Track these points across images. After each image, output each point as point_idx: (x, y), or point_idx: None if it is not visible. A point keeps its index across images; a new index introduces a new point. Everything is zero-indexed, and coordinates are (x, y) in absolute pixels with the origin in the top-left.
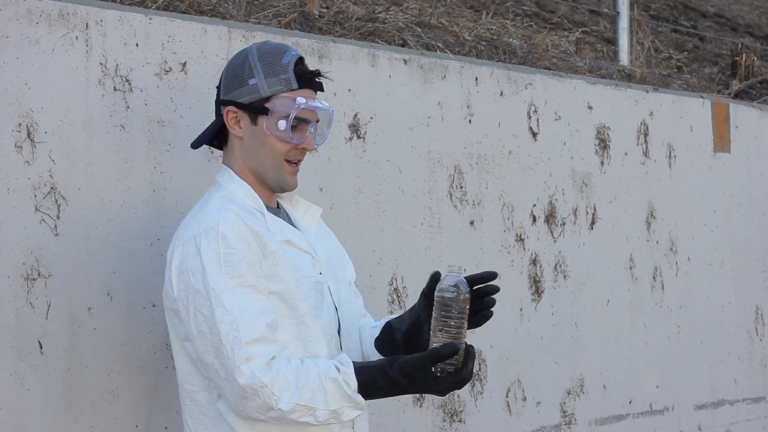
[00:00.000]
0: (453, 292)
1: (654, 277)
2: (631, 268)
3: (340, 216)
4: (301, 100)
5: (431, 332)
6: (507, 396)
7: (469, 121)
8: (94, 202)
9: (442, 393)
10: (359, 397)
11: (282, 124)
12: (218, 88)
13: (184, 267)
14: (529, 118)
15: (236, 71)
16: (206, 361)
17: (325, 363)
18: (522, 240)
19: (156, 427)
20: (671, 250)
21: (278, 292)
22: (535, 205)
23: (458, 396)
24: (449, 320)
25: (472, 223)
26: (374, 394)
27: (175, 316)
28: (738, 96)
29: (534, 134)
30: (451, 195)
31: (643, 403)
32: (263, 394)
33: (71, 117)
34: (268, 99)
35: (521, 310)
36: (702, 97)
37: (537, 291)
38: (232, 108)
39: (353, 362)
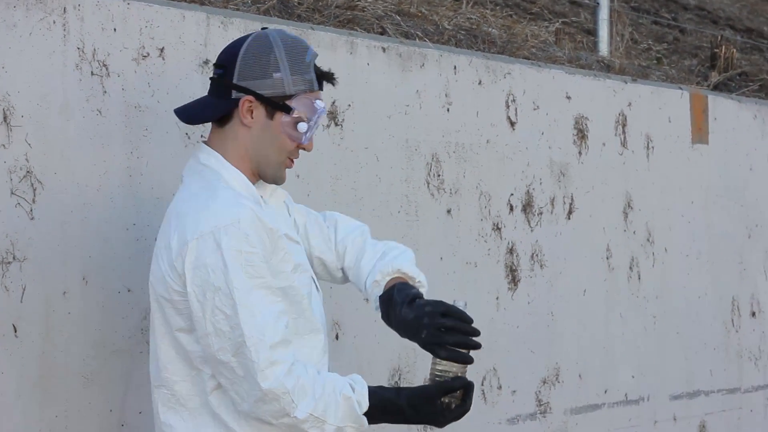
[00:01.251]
0: None
1: (631, 268)
2: (607, 258)
3: (318, 203)
4: (320, 104)
5: (433, 359)
6: (482, 384)
7: (447, 110)
8: (70, 187)
9: (442, 425)
10: (365, 419)
11: (303, 127)
12: (223, 67)
13: (201, 263)
14: (508, 107)
15: (259, 60)
16: (221, 358)
17: (341, 379)
18: (499, 229)
19: (130, 411)
20: (648, 240)
21: (283, 288)
22: (512, 195)
23: None
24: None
25: (449, 211)
26: (379, 419)
27: (170, 306)
28: (717, 88)
29: (512, 123)
30: (428, 183)
31: (619, 393)
32: (284, 400)
33: (48, 101)
34: (290, 97)
35: (497, 299)
36: (681, 88)
37: (513, 280)
38: (250, 97)
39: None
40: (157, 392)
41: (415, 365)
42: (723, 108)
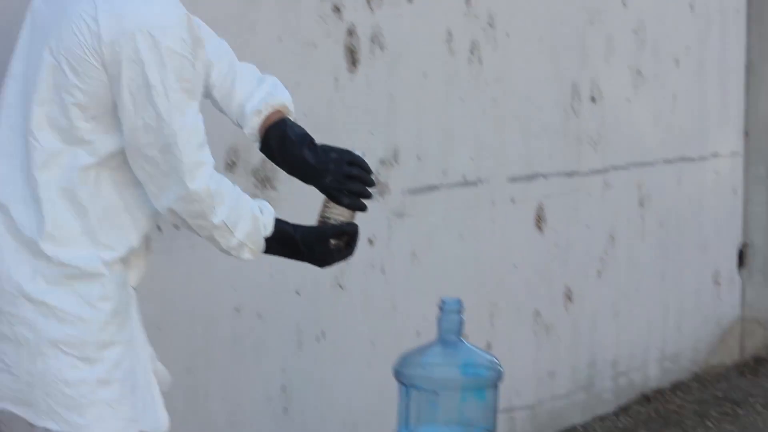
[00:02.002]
0: None
1: (472, 52)
2: (449, 42)
3: None
4: None
5: (324, 202)
6: None
7: None
8: None
9: (327, 265)
10: (263, 244)
11: None
12: None
13: (138, 57)
14: None
15: None
16: (146, 153)
17: (251, 199)
18: (339, 11)
19: None
20: (490, 25)
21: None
22: None
23: (271, 164)
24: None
25: None
26: (273, 248)
27: (74, 75)
28: None
29: None
30: None
31: (457, 175)
32: (206, 203)
33: None
34: None
35: (336, 79)
36: None
37: (353, 62)
38: None
39: None
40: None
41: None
42: None
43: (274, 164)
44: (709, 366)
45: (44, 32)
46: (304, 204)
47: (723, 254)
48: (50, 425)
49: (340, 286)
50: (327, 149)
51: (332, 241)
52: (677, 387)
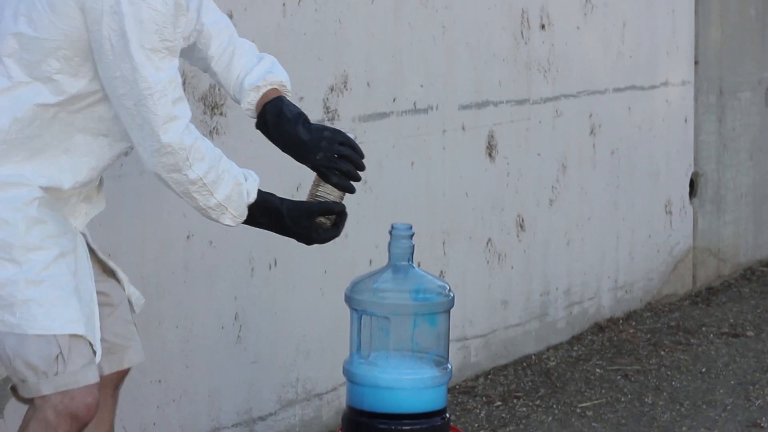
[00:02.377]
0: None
1: None
2: None
3: None
4: None
5: (315, 181)
6: None
7: None
8: None
9: (311, 242)
10: (246, 212)
11: None
12: None
13: (119, 9)
14: None
15: None
16: (123, 102)
17: (236, 166)
18: None
19: None
20: None
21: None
22: None
23: (218, 90)
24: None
25: None
26: (257, 217)
27: (48, 6)
28: None
29: None
30: None
31: (407, 102)
32: (179, 155)
33: None
34: None
35: (284, 5)
36: None
37: None
38: None
39: None
40: None
41: None
42: None
43: (221, 92)
44: (662, 295)
45: None
46: (251, 130)
47: (674, 183)
48: None
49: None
50: (320, 128)
51: (320, 219)
52: (630, 316)
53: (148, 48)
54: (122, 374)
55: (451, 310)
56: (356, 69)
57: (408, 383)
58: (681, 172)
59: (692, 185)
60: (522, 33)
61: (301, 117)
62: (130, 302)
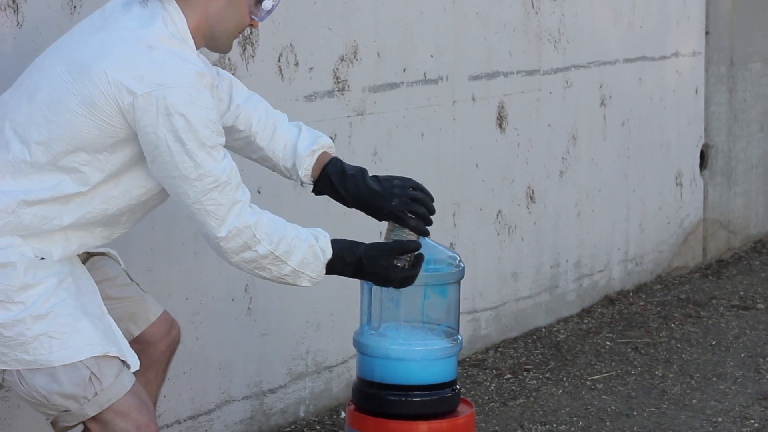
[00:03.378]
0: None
1: None
2: None
3: None
4: None
5: (389, 227)
6: (279, 61)
7: None
8: None
9: (390, 283)
10: (324, 270)
11: (268, 5)
12: None
13: (176, 110)
14: None
15: None
16: (184, 201)
17: (302, 228)
18: None
19: None
20: None
21: None
22: None
23: (229, 59)
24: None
25: None
26: (337, 269)
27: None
28: None
29: None
30: None
31: (417, 72)
32: (246, 234)
33: None
34: None
35: None
36: None
37: None
38: None
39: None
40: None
41: None
42: None
43: (231, 60)
44: (672, 268)
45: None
46: None
47: (685, 155)
48: (0, 366)
49: (302, 185)
50: (389, 177)
51: (397, 260)
52: (640, 289)
53: (209, 145)
54: (172, 347)
55: (462, 283)
56: (366, 39)
57: (418, 354)
58: (691, 143)
59: (703, 157)
60: (532, 3)
61: (364, 171)
62: (128, 275)
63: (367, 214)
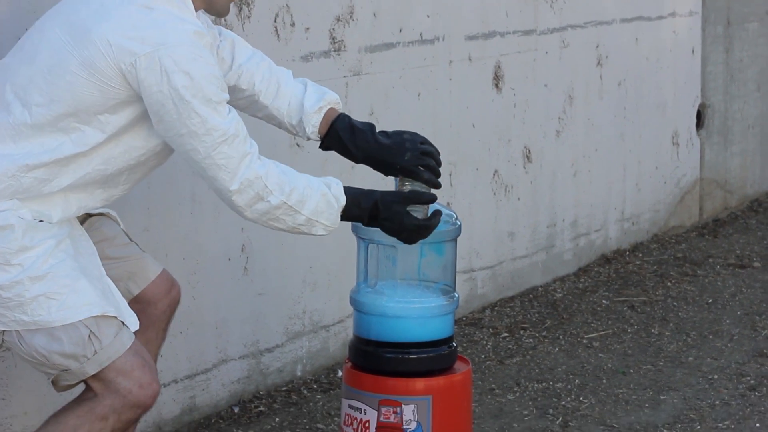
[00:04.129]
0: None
1: None
2: None
3: None
4: None
5: (401, 183)
6: (275, 21)
7: None
8: None
9: (402, 231)
10: (338, 218)
11: None
12: None
13: (180, 68)
14: None
15: None
16: (193, 157)
17: (313, 178)
18: None
19: None
20: None
21: None
22: None
23: (225, 19)
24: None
25: None
26: (353, 215)
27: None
28: None
29: None
30: None
31: (414, 33)
32: (257, 185)
33: None
34: None
35: None
36: None
37: None
38: None
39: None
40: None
41: None
42: None
43: (227, 21)
44: (669, 227)
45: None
46: None
47: (681, 115)
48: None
49: (298, 146)
50: (399, 132)
51: (413, 210)
52: (637, 248)
53: (215, 101)
54: (173, 307)
55: (458, 243)
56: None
57: (414, 312)
58: (688, 103)
59: (699, 116)
60: None
61: (373, 127)
62: (127, 234)
63: (376, 169)
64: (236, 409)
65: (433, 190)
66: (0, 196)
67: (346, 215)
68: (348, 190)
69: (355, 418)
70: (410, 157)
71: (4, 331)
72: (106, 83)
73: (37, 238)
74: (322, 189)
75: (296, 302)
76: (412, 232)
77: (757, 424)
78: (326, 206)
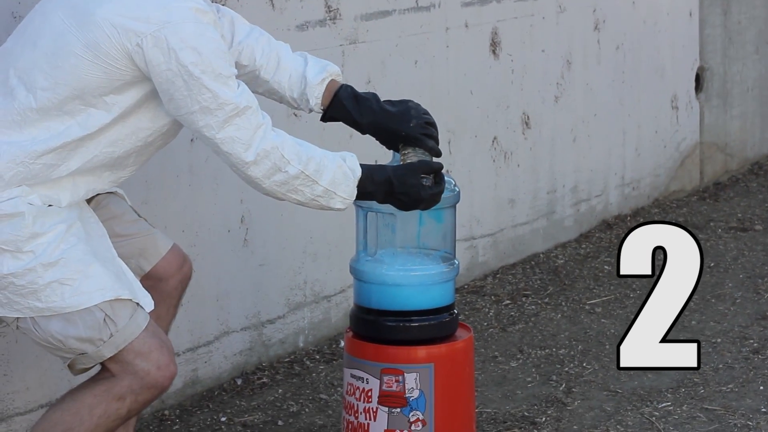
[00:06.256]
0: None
1: None
2: None
3: None
4: None
5: (402, 150)
6: None
7: None
8: None
9: (420, 203)
10: (355, 190)
11: None
12: None
13: (187, 45)
14: None
15: None
16: (205, 134)
17: (329, 152)
18: None
19: None
20: None
21: None
22: None
23: None
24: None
25: None
26: (367, 189)
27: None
28: None
29: None
30: None
31: (409, 0)
32: (274, 155)
33: None
34: None
35: None
36: None
37: None
38: None
39: None
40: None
41: None
42: None
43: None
44: (669, 191)
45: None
46: None
47: (680, 78)
48: (14, 314)
49: (296, 115)
50: (403, 101)
51: (423, 176)
52: (638, 213)
53: (225, 75)
54: (184, 283)
55: (458, 210)
56: None
57: (415, 279)
58: (686, 66)
59: (698, 80)
60: None
61: (377, 96)
62: (135, 211)
63: (379, 138)
64: (239, 381)
65: (435, 160)
66: (9, 183)
67: (360, 190)
68: (363, 165)
69: (358, 388)
70: (416, 125)
71: (18, 317)
72: (111, 65)
73: (47, 223)
74: (337, 161)
75: (297, 273)
76: (429, 201)
77: (761, 387)
78: (343, 177)
